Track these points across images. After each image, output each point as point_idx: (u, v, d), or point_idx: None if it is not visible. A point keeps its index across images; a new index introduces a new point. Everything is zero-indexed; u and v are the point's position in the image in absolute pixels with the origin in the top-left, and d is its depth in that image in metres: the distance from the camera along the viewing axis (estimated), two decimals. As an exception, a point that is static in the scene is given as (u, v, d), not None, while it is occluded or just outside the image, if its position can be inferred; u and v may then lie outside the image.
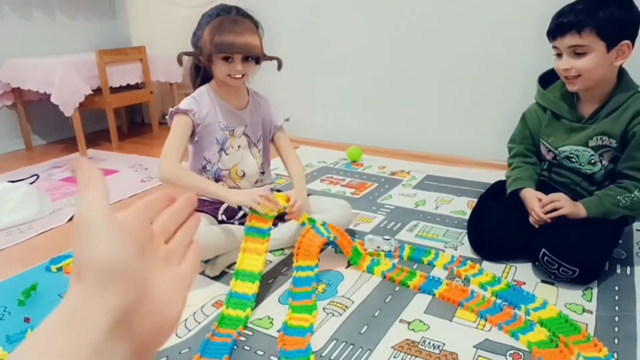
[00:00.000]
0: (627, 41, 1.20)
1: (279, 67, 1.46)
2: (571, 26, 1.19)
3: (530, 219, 1.34)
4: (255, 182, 1.56)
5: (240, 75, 1.37)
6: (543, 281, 1.27)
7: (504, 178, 1.51)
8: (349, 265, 1.39)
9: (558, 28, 1.22)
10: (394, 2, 2.37)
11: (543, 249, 1.24)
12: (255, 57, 1.38)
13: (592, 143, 1.30)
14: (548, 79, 1.41)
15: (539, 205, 1.31)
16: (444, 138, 2.42)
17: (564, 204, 1.28)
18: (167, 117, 1.43)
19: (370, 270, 1.34)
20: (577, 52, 1.21)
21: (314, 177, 2.19)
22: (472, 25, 2.21)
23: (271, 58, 1.44)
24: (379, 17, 2.44)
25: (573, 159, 1.35)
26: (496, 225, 1.38)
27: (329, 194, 1.93)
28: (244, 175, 1.51)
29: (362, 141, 2.55)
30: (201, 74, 1.50)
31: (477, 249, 1.41)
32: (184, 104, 1.42)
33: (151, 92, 2.97)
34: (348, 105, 2.68)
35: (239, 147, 1.48)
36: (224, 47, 1.32)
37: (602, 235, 1.25)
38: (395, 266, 1.34)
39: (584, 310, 1.15)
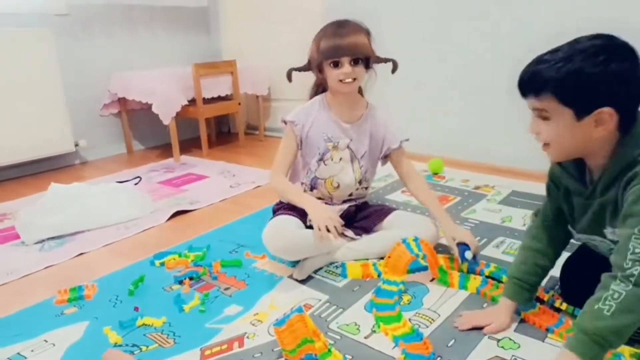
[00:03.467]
0: (608, 109, 0.87)
1: (394, 69, 1.46)
2: (528, 86, 0.95)
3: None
4: (350, 194, 1.59)
5: (350, 80, 1.38)
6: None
7: None
8: (433, 278, 1.39)
9: (519, 85, 0.98)
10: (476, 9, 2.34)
11: None
12: (364, 59, 1.38)
13: (609, 235, 1.01)
14: None
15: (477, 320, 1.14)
16: (529, 152, 2.32)
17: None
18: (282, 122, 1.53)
19: (462, 286, 1.33)
20: (543, 117, 0.95)
21: (394, 187, 2.20)
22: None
23: (385, 60, 1.45)
24: (459, 23, 2.42)
25: (594, 243, 1.09)
26: (594, 275, 1.05)
27: (411, 206, 1.94)
28: (338, 186, 1.55)
29: (444, 153, 2.52)
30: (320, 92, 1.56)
31: (570, 300, 1.17)
32: (293, 114, 1.49)
33: (239, 104, 3.14)
34: (429, 115, 2.66)
35: (340, 159, 1.52)
36: (330, 52, 1.34)
37: None
38: (488, 282, 1.32)
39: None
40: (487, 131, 2.47)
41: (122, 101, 2.99)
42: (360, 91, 1.58)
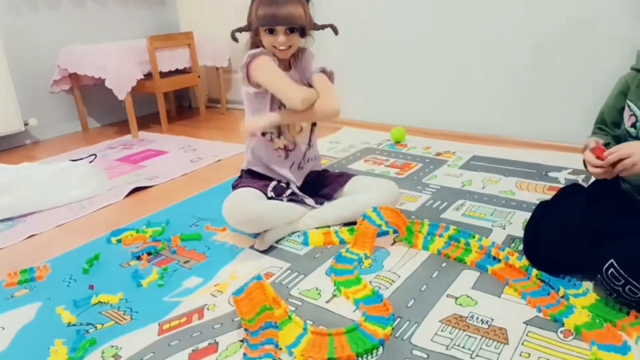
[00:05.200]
0: None
1: (335, 32, 1.45)
2: None
3: (590, 170, 1.11)
4: (309, 143, 1.58)
5: (284, 47, 1.39)
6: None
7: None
8: (394, 242, 1.40)
9: None
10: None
11: (611, 260, 1.00)
12: (299, 28, 1.38)
13: None
14: None
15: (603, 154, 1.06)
16: (489, 118, 2.36)
17: (633, 155, 1.00)
18: (240, 66, 1.42)
19: (425, 247, 1.34)
20: None
21: (357, 157, 2.19)
22: (517, 8, 2.13)
23: (323, 27, 1.45)
24: (424, -5, 2.40)
25: None
26: (555, 233, 1.16)
27: (373, 174, 1.94)
28: (301, 129, 1.53)
29: (405, 122, 2.53)
30: None
31: (533, 261, 1.20)
32: (250, 51, 1.40)
33: (198, 76, 3.04)
34: (391, 86, 2.65)
35: None
36: (266, 20, 1.35)
37: None
38: (451, 243, 1.34)
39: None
40: (447, 99, 2.48)
41: (73, 77, 2.85)
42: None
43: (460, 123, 2.45)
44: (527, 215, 1.42)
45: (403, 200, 1.67)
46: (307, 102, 1.39)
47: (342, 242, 1.41)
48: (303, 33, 1.42)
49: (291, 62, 1.51)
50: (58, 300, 1.21)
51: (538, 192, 1.69)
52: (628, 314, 1.00)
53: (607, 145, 1.10)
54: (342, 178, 1.58)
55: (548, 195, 1.62)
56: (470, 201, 1.65)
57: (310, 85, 1.49)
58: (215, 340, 1.03)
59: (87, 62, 2.67)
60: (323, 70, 1.49)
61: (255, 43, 1.47)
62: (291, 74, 1.49)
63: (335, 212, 1.50)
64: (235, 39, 1.47)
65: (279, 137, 1.51)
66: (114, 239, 1.50)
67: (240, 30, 1.47)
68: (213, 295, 1.19)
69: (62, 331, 1.09)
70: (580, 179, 1.79)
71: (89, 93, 3.01)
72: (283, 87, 1.38)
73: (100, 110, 3.12)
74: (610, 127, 1.24)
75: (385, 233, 1.41)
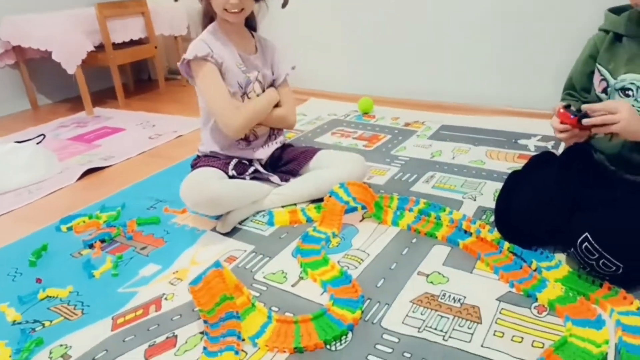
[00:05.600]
0: None
1: (284, 4, 1.37)
2: None
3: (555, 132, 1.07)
4: (272, 130, 1.51)
5: (236, 10, 1.29)
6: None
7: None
8: (363, 218, 1.34)
9: None
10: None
11: (586, 233, 0.95)
12: None
13: None
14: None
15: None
16: (458, 87, 2.31)
17: (618, 117, 0.94)
18: (179, 65, 1.35)
19: (395, 223, 1.29)
20: None
21: (324, 130, 2.11)
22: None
23: None
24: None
25: (630, 92, 1.05)
26: (527, 204, 1.11)
27: (341, 147, 1.87)
28: (261, 124, 1.47)
29: (373, 92, 2.45)
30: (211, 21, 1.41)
31: (504, 233, 1.16)
32: (196, 49, 1.32)
33: (155, 47, 2.87)
34: (358, 54, 2.55)
35: (256, 94, 1.43)
36: None
37: None
38: (421, 218, 1.29)
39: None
40: (415, 68, 2.40)
41: (17, 50, 2.64)
42: (253, 26, 1.48)
43: (428, 91, 2.39)
44: (498, 185, 1.40)
45: (372, 174, 1.62)
46: (245, 129, 1.37)
47: (309, 220, 1.35)
48: None
49: (256, 47, 1.41)
50: (1, 297, 1.11)
51: (508, 161, 1.66)
52: (601, 285, 0.98)
53: (568, 107, 1.05)
54: (307, 153, 1.51)
55: (518, 164, 1.59)
56: (440, 172, 1.61)
57: (272, 84, 1.47)
58: (174, 333, 0.96)
59: (31, 34, 2.47)
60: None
61: (208, 12, 1.36)
62: (254, 57, 1.40)
63: (301, 188, 1.43)
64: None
65: None
66: (64, 227, 1.40)
67: None
68: (172, 284, 1.12)
69: (6, 331, 1.00)
70: (550, 145, 1.76)
71: (36, 67, 2.80)
72: (224, 111, 1.32)
73: (50, 86, 2.92)
74: (580, 93, 1.20)
75: (354, 209, 1.35)
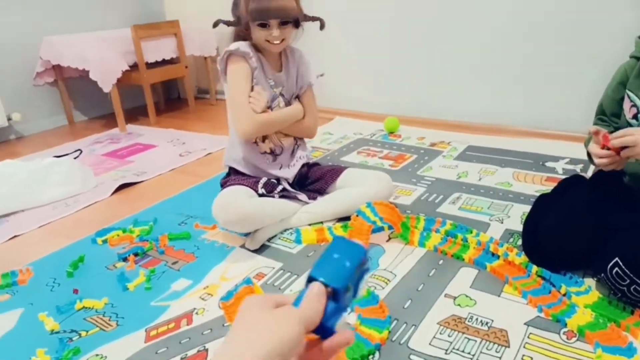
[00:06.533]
0: None
1: (322, 27, 1.42)
2: None
3: (596, 162, 1.05)
4: (296, 143, 1.54)
5: (278, 41, 1.34)
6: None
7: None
8: (389, 238, 1.35)
9: None
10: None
11: (616, 258, 0.95)
12: (292, 21, 1.33)
13: None
14: None
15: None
16: (484, 107, 2.32)
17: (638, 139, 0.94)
18: (219, 60, 1.40)
19: (421, 244, 1.30)
20: None
21: (350, 149, 2.14)
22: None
23: (313, 18, 1.40)
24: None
25: None
26: (556, 227, 1.10)
27: (367, 166, 1.89)
28: (287, 134, 1.50)
29: (399, 112, 2.47)
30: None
31: (532, 256, 1.14)
32: (238, 45, 1.36)
33: (186, 67, 2.96)
34: (384, 74, 2.59)
35: (280, 108, 1.46)
36: (259, 14, 1.29)
37: None
38: (448, 239, 1.30)
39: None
40: (442, 88, 2.42)
41: (57, 69, 2.76)
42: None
43: (455, 112, 2.40)
44: (525, 208, 1.39)
45: (398, 194, 1.63)
46: (255, 132, 1.39)
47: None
48: (296, 24, 1.36)
49: (282, 63, 1.46)
50: (41, 306, 1.16)
51: (536, 184, 1.66)
52: (632, 312, 0.97)
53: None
54: (334, 171, 1.53)
55: (546, 187, 1.59)
56: (467, 194, 1.61)
57: (297, 96, 1.49)
58: (204, 347, 0.99)
59: (69, 53, 2.58)
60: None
61: (241, 35, 1.41)
62: (280, 75, 1.44)
63: (328, 207, 1.46)
64: (215, 26, 1.40)
65: (263, 140, 1.46)
66: (99, 240, 1.45)
67: (228, 24, 1.40)
68: (202, 299, 1.15)
69: (45, 339, 1.05)
70: (578, 168, 1.75)
71: (74, 85, 2.92)
72: (240, 108, 1.36)
73: (86, 103, 3.04)
74: (610, 119, 1.20)
75: (380, 229, 1.36)
